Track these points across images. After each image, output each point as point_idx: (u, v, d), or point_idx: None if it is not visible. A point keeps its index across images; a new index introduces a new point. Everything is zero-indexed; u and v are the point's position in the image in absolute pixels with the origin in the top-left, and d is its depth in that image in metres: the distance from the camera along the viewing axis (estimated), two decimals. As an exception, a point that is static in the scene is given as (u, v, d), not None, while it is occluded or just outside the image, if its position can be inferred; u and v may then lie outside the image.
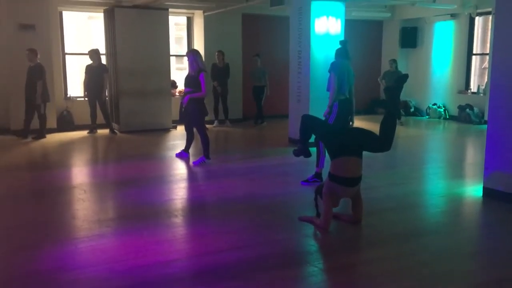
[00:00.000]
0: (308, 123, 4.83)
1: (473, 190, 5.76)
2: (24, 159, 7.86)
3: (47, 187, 6.00)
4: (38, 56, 9.30)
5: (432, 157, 8.49)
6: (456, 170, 7.27)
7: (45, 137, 9.54)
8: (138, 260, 3.71)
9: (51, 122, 10.12)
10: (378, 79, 12.24)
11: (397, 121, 5.31)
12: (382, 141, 4.36)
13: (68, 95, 11.04)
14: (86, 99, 10.23)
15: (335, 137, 4.60)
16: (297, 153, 5.01)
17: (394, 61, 11.70)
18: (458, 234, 4.48)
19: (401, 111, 12.33)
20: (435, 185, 6.36)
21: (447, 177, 6.79)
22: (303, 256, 3.97)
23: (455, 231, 4.58)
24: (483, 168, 5.60)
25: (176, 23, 13.08)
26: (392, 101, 4.53)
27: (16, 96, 9.59)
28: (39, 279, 3.43)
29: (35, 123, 9.50)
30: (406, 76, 4.40)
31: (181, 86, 11.23)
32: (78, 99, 10.98)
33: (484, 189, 5.52)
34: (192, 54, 7.22)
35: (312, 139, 5.25)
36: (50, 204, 5.29)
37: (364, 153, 4.43)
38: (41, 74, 9.25)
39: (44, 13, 9.94)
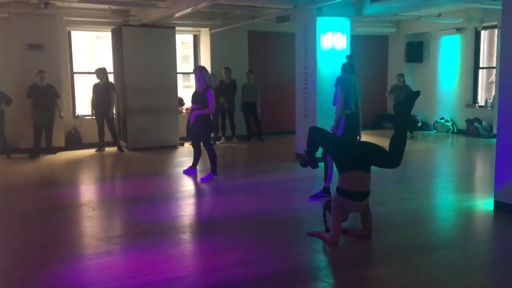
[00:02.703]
0: (316, 135, 4.80)
1: (484, 203, 5.69)
2: (32, 177, 7.88)
3: (56, 205, 6.00)
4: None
5: (442, 171, 8.42)
6: (466, 184, 7.19)
7: (38, 156, 9.56)
8: (146, 277, 3.69)
9: (59, 140, 10.21)
10: (386, 94, 12.21)
11: (408, 134, 5.27)
12: (392, 157, 4.30)
13: (76, 114, 11.15)
14: (94, 117, 10.31)
15: (343, 151, 4.57)
16: (304, 164, 4.99)
17: (401, 75, 11.67)
18: (470, 248, 4.42)
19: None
20: (445, 199, 6.29)
21: (457, 191, 6.71)
22: (313, 272, 3.92)
23: (467, 245, 4.52)
24: (493, 181, 5.55)
25: (183, 42, 13.21)
26: (402, 117, 4.50)
27: (25, 116, 9.69)
28: (47, 297, 3.42)
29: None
30: (418, 93, 4.33)
31: (188, 103, 11.30)
32: (86, 117, 11.06)
33: (495, 202, 5.46)
34: (199, 70, 7.27)
35: (319, 153, 5.22)
36: (59, 222, 5.29)
37: (373, 167, 4.40)
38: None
39: (52, 33, 10.09)
